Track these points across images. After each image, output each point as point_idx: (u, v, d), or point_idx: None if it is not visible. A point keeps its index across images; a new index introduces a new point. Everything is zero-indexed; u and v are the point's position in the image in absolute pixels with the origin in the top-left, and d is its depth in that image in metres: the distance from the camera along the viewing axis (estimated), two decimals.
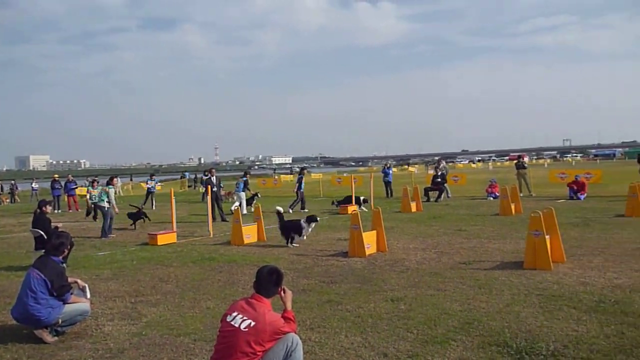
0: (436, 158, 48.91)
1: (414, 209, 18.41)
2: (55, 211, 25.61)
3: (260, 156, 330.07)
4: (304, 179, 22.03)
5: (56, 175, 31.43)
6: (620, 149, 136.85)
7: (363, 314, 6.29)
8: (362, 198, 20.18)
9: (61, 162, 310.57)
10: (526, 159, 27.59)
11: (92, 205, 20.58)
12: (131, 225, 17.04)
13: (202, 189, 27.67)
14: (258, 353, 3.84)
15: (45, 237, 10.25)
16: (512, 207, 16.10)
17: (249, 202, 21.53)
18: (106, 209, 15.09)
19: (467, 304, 6.46)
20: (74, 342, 5.80)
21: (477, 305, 6.39)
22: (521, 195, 19.30)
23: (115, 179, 16.92)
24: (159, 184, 33.25)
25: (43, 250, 6.60)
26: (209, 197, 15.58)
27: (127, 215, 17.33)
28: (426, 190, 22.39)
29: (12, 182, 41.55)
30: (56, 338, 5.88)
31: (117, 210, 16.02)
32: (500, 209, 16.33)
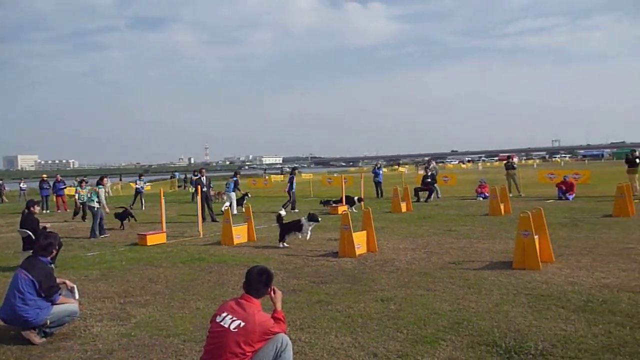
0: (426, 158, 49.14)
1: (404, 209, 18.46)
2: (44, 211, 25.42)
3: (251, 156, 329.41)
4: (295, 179, 22.04)
5: (44, 175, 31.23)
6: (608, 150, 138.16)
7: (353, 314, 6.30)
8: (356, 198, 20.27)
9: (50, 162, 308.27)
10: (515, 160, 27.71)
11: (81, 206, 20.51)
12: (120, 226, 16.95)
13: (192, 189, 27.56)
14: (247, 354, 3.83)
15: (34, 237, 10.16)
16: (502, 207, 16.19)
17: (240, 202, 21.49)
18: (96, 209, 15.00)
19: (457, 304, 6.49)
20: (62, 344, 5.76)
21: (466, 305, 6.42)
22: (510, 195, 19.40)
23: (105, 179, 16.81)
24: (147, 184, 33.09)
25: (31, 251, 6.53)
26: (198, 197, 15.52)
27: (114, 215, 17.24)
28: (416, 191, 22.45)
29: (0, 182, 41.15)
30: (44, 339, 5.83)
31: (107, 210, 15.95)
32: (489, 209, 16.41)
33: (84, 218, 20.30)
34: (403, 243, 11.43)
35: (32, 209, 11.06)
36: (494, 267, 8.56)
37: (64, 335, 6.04)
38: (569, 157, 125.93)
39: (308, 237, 12.09)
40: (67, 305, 6.08)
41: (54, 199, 27.29)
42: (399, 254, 10.09)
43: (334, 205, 20.01)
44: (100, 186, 15.82)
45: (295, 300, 7.00)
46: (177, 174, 55.47)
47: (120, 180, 64.58)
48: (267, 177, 50.06)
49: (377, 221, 13.30)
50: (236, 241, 12.31)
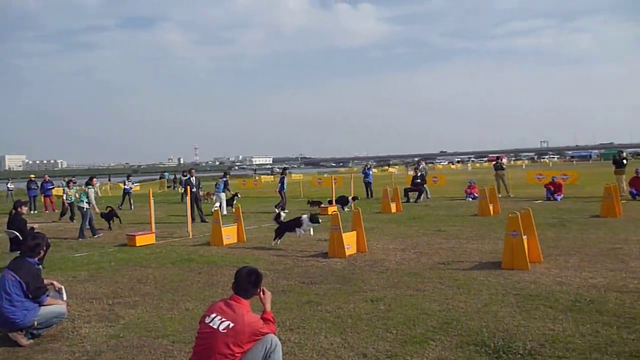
0: (416, 159, 49.30)
1: (393, 209, 18.51)
2: (31, 212, 25.24)
3: (241, 156, 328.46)
4: (285, 179, 22.08)
5: (32, 176, 30.94)
6: (596, 151, 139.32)
7: (343, 314, 6.30)
8: (350, 197, 20.36)
9: (37, 162, 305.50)
10: (504, 160, 27.90)
11: (68, 206, 20.36)
12: (108, 228, 16.84)
13: (181, 190, 27.49)
14: (237, 354, 3.82)
15: (21, 238, 10.09)
16: (491, 207, 16.28)
17: (229, 202, 21.46)
18: (85, 209, 14.89)
19: (446, 304, 6.51)
20: (49, 345, 5.71)
21: (455, 305, 6.44)
22: (499, 196, 19.49)
23: (94, 179, 16.68)
24: (135, 184, 32.92)
25: (18, 252, 6.48)
26: (188, 198, 15.47)
27: (100, 215, 17.13)
28: (406, 191, 22.52)
29: None
30: (31, 341, 5.79)
31: (97, 210, 15.85)
32: (478, 210, 16.48)
33: (72, 218, 20.15)
34: (393, 243, 11.46)
35: (19, 209, 10.98)
36: (483, 267, 8.60)
37: (51, 336, 5.99)
38: (558, 158, 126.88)
39: (310, 233, 11.95)
40: (54, 306, 6.03)
41: (42, 199, 27.11)
42: (388, 255, 10.11)
43: (322, 206, 20.05)
44: (90, 186, 15.71)
45: (285, 301, 6.99)
46: (166, 174, 55.19)
47: (109, 180, 64.28)
48: (257, 178, 50.00)
49: (367, 222, 13.32)
50: (226, 242, 12.28)
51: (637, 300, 6.28)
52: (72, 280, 8.98)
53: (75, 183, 20.01)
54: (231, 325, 3.85)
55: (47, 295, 6.04)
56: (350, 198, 20.26)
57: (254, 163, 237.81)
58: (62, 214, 21.25)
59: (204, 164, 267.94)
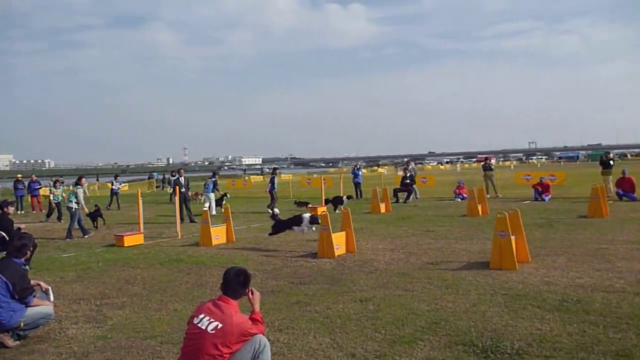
0: (405, 160, 49.43)
1: (383, 210, 18.55)
2: (18, 212, 25.01)
3: (230, 157, 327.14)
4: (276, 179, 22.10)
5: (19, 175, 30.67)
6: (583, 152, 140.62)
7: (332, 314, 6.30)
8: (345, 196, 20.45)
9: (25, 161, 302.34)
10: (493, 161, 28.04)
11: (55, 206, 20.22)
12: (95, 227, 16.73)
13: (170, 190, 27.36)
14: (225, 355, 3.81)
15: (7, 238, 9.99)
16: (479, 208, 16.35)
17: (218, 202, 21.40)
18: (74, 209, 14.79)
19: (435, 304, 6.54)
20: (36, 346, 5.66)
21: (444, 305, 6.47)
22: (488, 196, 19.61)
23: (83, 179, 16.56)
24: (122, 184, 32.72)
25: (4, 252, 6.42)
26: (177, 198, 15.41)
27: (86, 214, 17.02)
28: (395, 192, 22.56)
29: None
30: (18, 342, 5.73)
31: (86, 210, 15.75)
32: (467, 210, 16.56)
33: (59, 218, 20.01)
34: (382, 244, 11.48)
35: (6, 209, 10.88)
36: (472, 267, 8.64)
37: (38, 338, 5.94)
38: (546, 159, 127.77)
39: (310, 230, 11.80)
40: (41, 307, 5.98)
41: (29, 199, 26.87)
42: (377, 255, 10.13)
43: (310, 206, 20.07)
44: (79, 186, 15.60)
45: (274, 301, 6.98)
46: (155, 174, 54.92)
47: (97, 180, 63.80)
48: (246, 178, 49.88)
49: (356, 222, 13.34)
50: (215, 242, 12.24)
51: (623, 300, 6.34)
52: (60, 280, 8.91)
53: (62, 183, 19.85)
54: (219, 325, 3.83)
55: (34, 296, 5.99)
56: (345, 197, 20.35)
57: (243, 163, 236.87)
58: (49, 214, 21.08)
59: (193, 164, 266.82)
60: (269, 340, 4.22)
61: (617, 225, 12.72)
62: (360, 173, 26.25)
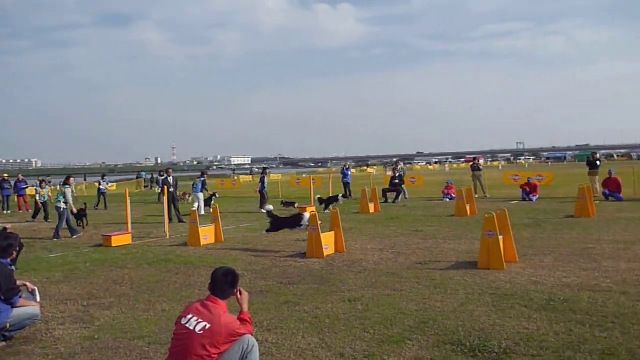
0: (394, 160, 49.49)
1: (372, 210, 18.58)
2: (5, 212, 24.84)
3: (219, 156, 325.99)
4: (266, 178, 22.11)
5: (6, 175, 30.28)
6: (570, 152, 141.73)
7: (320, 314, 6.30)
8: (340, 195, 20.51)
9: (11, 161, 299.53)
10: (481, 162, 28.20)
11: (42, 206, 20.05)
12: (79, 225, 16.58)
13: (158, 190, 27.22)
14: (213, 356, 3.80)
15: None
16: (468, 208, 16.43)
17: (207, 202, 21.33)
18: (62, 209, 14.66)
19: (423, 304, 6.56)
20: (22, 347, 5.61)
21: (432, 305, 6.49)
22: (476, 196, 19.71)
23: (71, 179, 16.41)
24: (109, 184, 32.51)
25: None
26: (165, 198, 15.34)
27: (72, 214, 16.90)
28: (384, 192, 22.61)
29: None
30: (4, 343, 5.68)
31: (75, 210, 15.62)
32: (455, 210, 16.63)
33: (46, 218, 19.84)
34: (371, 244, 11.50)
35: None
36: (460, 267, 8.68)
37: (24, 339, 5.89)
38: (533, 159, 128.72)
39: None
40: (28, 308, 5.93)
41: (16, 199, 26.63)
42: (366, 255, 10.14)
43: (297, 206, 20.10)
44: (67, 186, 15.46)
45: (263, 302, 6.97)
46: (143, 174, 54.60)
47: (85, 180, 63.37)
48: (235, 178, 49.75)
49: (345, 222, 13.35)
50: (203, 242, 12.20)
51: (609, 299, 6.40)
52: (46, 281, 8.84)
53: (49, 183, 19.69)
54: (208, 326, 3.82)
55: (20, 297, 5.94)
56: (340, 196, 20.42)
57: (232, 163, 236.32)
58: (35, 215, 20.89)
59: (181, 164, 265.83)
60: (257, 340, 4.22)
61: (603, 225, 12.84)
62: (349, 173, 26.29)
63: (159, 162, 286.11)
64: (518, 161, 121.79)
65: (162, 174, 24.12)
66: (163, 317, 6.48)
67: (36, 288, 6.45)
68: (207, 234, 12.48)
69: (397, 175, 23.74)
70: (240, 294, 4.29)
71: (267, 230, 12.05)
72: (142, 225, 16.96)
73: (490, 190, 24.13)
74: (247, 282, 8.05)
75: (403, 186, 23.42)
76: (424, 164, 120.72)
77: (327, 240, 10.28)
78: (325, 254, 10.01)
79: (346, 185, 25.47)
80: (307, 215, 11.61)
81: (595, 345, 4.92)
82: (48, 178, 21.25)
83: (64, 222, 14.69)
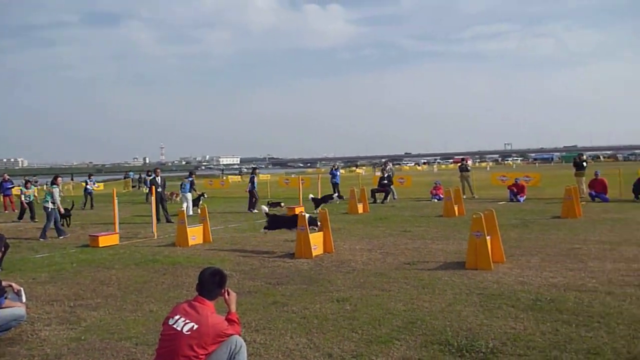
0: (383, 160, 49.60)
1: (360, 210, 18.62)
2: None
3: (208, 156, 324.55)
4: (256, 178, 22.10)
5: None
6: (557, 154, 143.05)
7: (309, 315, 6.30)
8: (335, 194, 20.56)
9: None
10: (469, 162, 28.33)
11: (27, 206, 19.85)
12: (62, 225, 16.41)
13: (146, 190, 27.09)
14: (201, 356, 3.78)
15: None
16: (455, 208, 16.51)
17: (195, 202, 21.26)
18: (50, 209, 14.52)
19: (411, 304, 6.58)
20: (8, 349, 5.55)
21: (420, 305, 6.51)
22: (464, 197, 19.82)
23: (59, 179, 16.24)
24: (95, 184, 32.33)
25: None
26: (153, 198, 15.26)
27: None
28: (373, 192, 22.68)
29: None
30: None
31: (62, 210, 15.49)
32: (443, 211, 16.71)
33: (32, 218, 19.66)
34: (359, 244, 11.52)
35: None
36: (448, 267, 8.72)
37: (10, 340, 5.83)
38: (521, 160, 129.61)
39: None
40: (13, 309, 5.88)
41: (1, 199, 26.34)
42: (355, 255, 10.16)
43: (284, 205, 20.10)
44: (55, 186, 15.30)
45: (251, 302, 6.96)
46: (131, 173, 54.35)
47: (72, 179, 62.85)
48: (224, 178, 49.62)
49: (334, 222, 13.36)
50: (191, 242, 12.15)
51: (595, 299, 6.46)
52: (32, 281, 8.76)
53: (35, 183, 19.50)
54: (195, 326, 3.80)
55: (6, 298, 5.89)
56: (335, 195, 20.45)
57: (221, 163, 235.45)
58: (21, 215, 20.68)
59: (170, 164, 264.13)
60: (245, 340, 4.20)
61: (589, 226, 12.96)
62: (338, 173, 26.28)
63: (147, 161, 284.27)
64: (506, 162, 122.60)
65: (150, 173, 24.00)
66: (150, 318, 6.44)
67: (22, 289, 6.39)
68: (195, 234, 12.43)
69: (385, 175, 23.83)
70: (228, 294, 4.27)
71: (265, 228, 11.99)
72: (130, 226, 16.86)
73: (478, 190, 24.26)
74: (235, 283, 8.03)
75: (392, 187, 23.50)
76: (413, 164, 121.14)
77: (316, 241, 10.28)
78: (313, 254, 10.01)
79: (335, 185, 25.48)
80: (305, 216, 11.61)
81: (581, 345, 4.96)
82: (34, 178, 21.04)
83: (52, 223, 14.54)
